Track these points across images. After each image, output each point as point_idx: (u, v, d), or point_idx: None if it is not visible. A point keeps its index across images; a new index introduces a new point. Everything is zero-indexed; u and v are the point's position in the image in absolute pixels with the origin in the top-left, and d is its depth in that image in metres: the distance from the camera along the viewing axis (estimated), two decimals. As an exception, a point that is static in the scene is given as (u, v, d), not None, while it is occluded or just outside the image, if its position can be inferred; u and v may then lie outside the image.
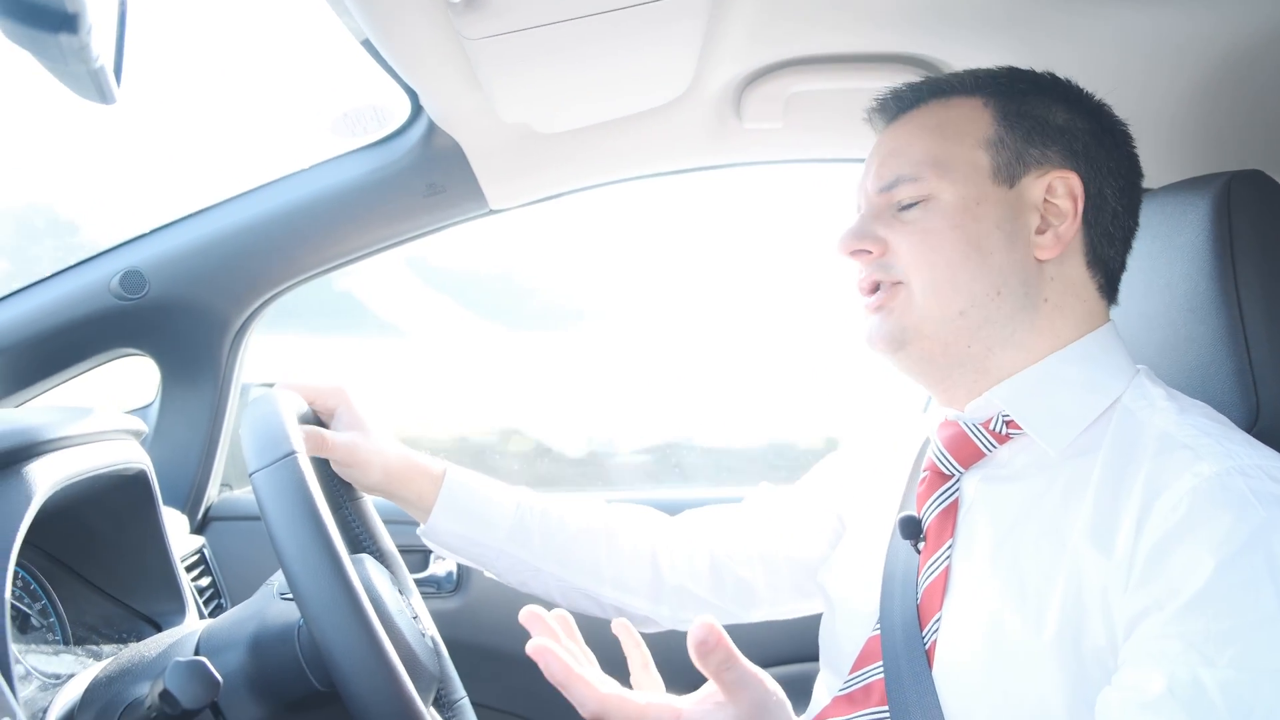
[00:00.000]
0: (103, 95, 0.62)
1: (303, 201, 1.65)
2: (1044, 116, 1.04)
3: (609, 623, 1.12)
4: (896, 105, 1.12)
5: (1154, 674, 0.81)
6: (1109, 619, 0.88)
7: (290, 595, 0.87)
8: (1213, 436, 0.91)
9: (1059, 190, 1.02)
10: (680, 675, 1.80)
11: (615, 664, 1.80)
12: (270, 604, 0.97)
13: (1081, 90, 1.08)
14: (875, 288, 1.07)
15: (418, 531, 1.29)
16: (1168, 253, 1.18)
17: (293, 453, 0.89)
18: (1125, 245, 1.08)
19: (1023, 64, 1.12)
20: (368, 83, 1.44)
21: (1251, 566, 0.81)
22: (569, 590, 1.32)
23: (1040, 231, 1.02)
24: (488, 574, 1.33)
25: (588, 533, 1.32)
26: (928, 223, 1.03)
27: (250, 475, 0.89)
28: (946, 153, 1.04)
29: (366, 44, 1.30)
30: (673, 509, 1.43)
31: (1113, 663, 0.87)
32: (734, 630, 1.39)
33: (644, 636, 1.40)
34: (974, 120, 1.05)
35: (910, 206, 1.04)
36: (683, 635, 1.39)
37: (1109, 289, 1.07)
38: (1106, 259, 1.05)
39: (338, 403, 1.24)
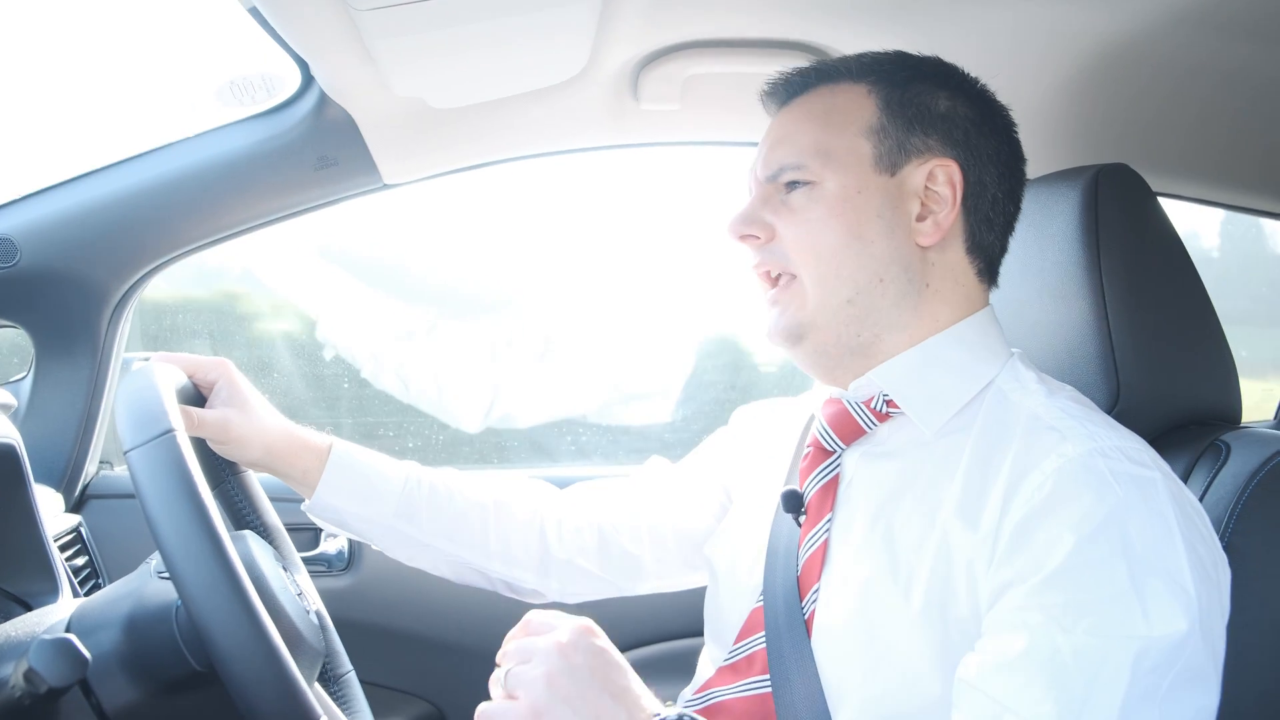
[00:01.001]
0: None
1: (187, 170, 1.59)
2: (927, 104, 1.07)
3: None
4: (786, 91, 1.13)
5: (1013, 639, 0.86)
6: (973, 590, 0.92)
7: (168, 574, 0.85)
8: (1077, 419, 0.96)
9: (939, 178, 1.05)
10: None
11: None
12: (147, 583, 0.94)
13: (965, 76, 1.11)
14: (774, 280, 1.09)
15: (302, 507, 1.27)
16: (1040, 241, 1.23)
17: (170, 430, 0.86)
18: (1006, 230, 1.11)
19: (906, 50, 1.14)
20: (256, 50, 1.40)
21: (1108, 543, 0.85)
22: (457, 565, 1.32)
23: (920, 219, 1.05)
24: (374, 547, 1.32)
25: (476, 507, 1.31)
26: (810, 211, 1.05)
27: (125, 454, 0.86)
28: (830, 141, 1.06)
29: (254, 11, 1.26)
30: (566, 485, 1.44)
31: (976, 631, 0.91)
32: (621, 606, 1.41)
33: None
34: (858, 108, 1.07)
35: (795, 190, 1.06)
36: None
37: (989, 273, 1.10)
38: (986, 244, 1.08)
39: (219, 376, 1.21)
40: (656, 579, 1.36)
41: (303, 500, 1.28)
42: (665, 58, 1.50)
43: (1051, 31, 1.40)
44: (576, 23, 1.28)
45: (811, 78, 1.11)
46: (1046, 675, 0.83)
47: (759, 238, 1.08)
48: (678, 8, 1.38)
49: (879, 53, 1.12)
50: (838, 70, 1.10)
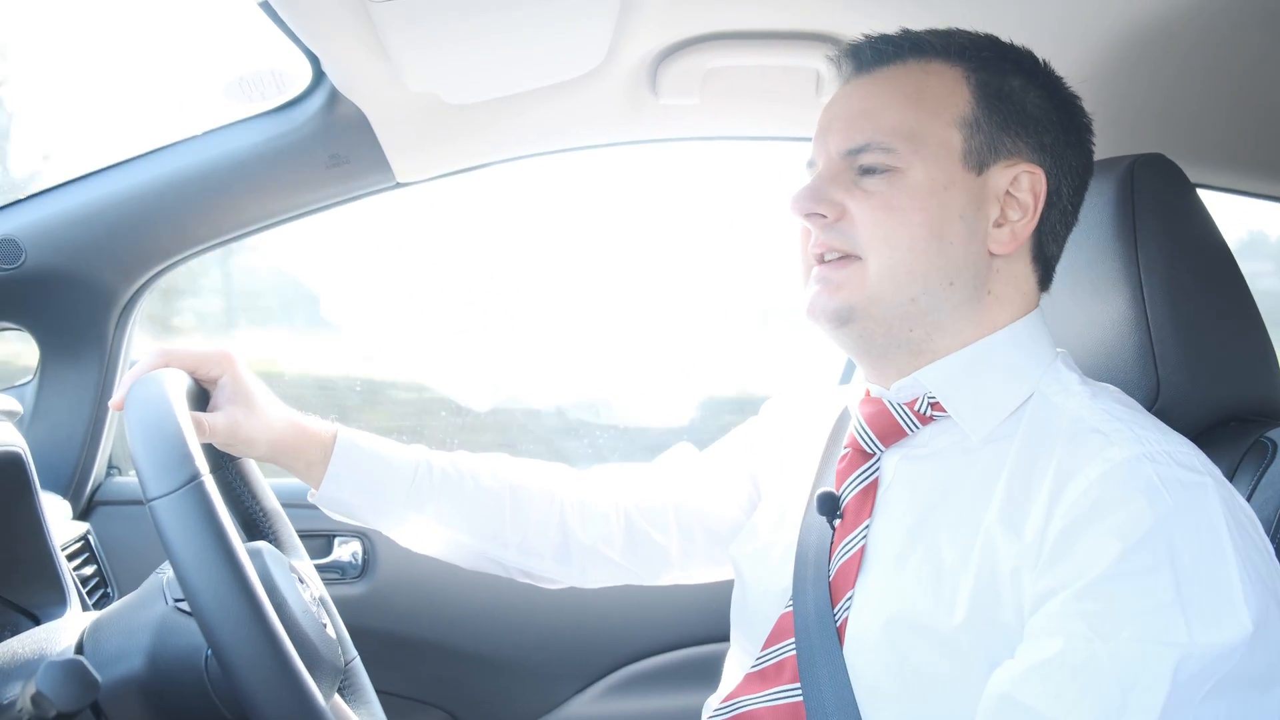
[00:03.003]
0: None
1: (195, 169, 1.58)
2: (1021, 101, 1.01)
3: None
4: (874, 56, 1.05)
5: (1048, 643, 0.83)
6: (1018, 600, 0.89)
7: (186, 606, 0.82)
8: (1124, 422, 0.92)
9: (1023, 184, 1.00)
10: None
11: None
12: (166, 615, 0.90)
13: (1058, 78, 1.06)
14: (823, 257, 1.02)
15: (309, 497, 1.24)
16: (1073, 235, 1.19)
17: (198, 476, 0.81)
18: (1066, 238, 1.07)
19: None
20: (266, 45, 1.37)
21: (1153, 553, 0.82)
22: (471, 554, 1.28)
23: (998, 225, 1.00)
24: (385, 534, 1.29)
25: (491, 495, 1.28)
26: (892, 197, 0.98)
27: (148, 502, 0.80)
28: (922, 126, 0.99)
29: (264, 4, 1.24)
30: None
31: (1020, 640, 0.88)
32: (644, 610, 1.38)
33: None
34: (951, 94, 1.01)
35: (873, 174, 1.00)
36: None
37: (1046, 280, 1.07)
38: (1050, 255, 1.05)
39: (223, 371, 1.16)
40: (680, 571, 1.33)
41: (317, 510, 1.25)
42: (684, 50, 1.48)
43: (1079, 15, 1.37)
44: (596, 14, 1.25)
45: (904, 48, 1.03)
46: (1080, 681, 0.80)
47: (825, 216, 1.01)
48: (697, -1, 1.35)
49: (971, 33, 1.05)
50: (931, 45, 1.03)
